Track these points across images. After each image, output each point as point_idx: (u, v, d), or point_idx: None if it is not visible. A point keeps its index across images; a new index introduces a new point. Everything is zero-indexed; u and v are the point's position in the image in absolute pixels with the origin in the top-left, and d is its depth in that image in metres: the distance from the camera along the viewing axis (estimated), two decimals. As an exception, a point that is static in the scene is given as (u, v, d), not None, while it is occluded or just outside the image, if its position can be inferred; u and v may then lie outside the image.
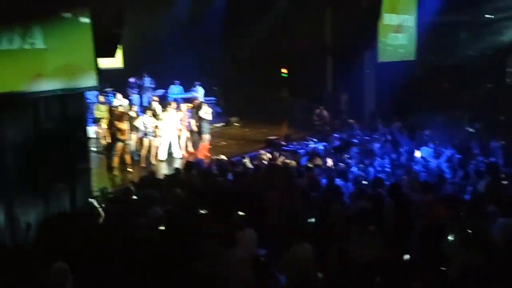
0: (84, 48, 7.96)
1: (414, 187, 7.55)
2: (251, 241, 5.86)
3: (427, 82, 16.40)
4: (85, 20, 7.87)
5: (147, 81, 16.12)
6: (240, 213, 6.06)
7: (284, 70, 17.09)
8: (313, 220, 6.39)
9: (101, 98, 12.92)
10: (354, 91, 15.71)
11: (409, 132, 12.15)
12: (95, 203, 7.26)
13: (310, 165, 9.24)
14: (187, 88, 16.68)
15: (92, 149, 11.88)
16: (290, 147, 12.26)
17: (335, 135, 12.31)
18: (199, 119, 12.30)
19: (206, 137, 12.33)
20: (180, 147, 12.22)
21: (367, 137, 12.04)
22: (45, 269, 4.60)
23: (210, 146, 13.08)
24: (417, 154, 10.15)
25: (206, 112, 12.32)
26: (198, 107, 12.46)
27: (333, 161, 9.79)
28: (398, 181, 7.95)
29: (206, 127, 12.32)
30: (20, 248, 6.18)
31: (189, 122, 12.60)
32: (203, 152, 12.22)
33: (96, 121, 12.45)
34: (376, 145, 11.15)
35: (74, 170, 8.08)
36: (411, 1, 16.92)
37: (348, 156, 10.30)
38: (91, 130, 12.26)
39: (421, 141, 11.26)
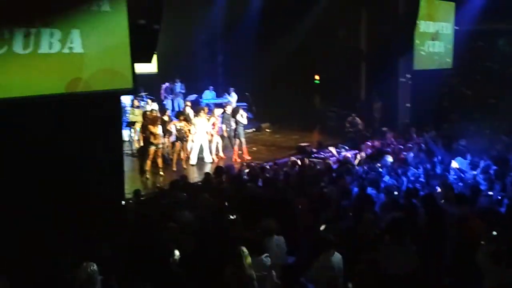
0: (121, 53, 8.13)
1: (449, 198, 7.35)
2: (281, 248, 5.82)
3: (464, 91, 16.02)
4: (123, 25, 8.05)
5: (179, 86, 16.34)
6: (270, 219, 6.02)
7: (316, 77, 17.01)
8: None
9: (136, 102, 13.16)
10: (388, 99, 15.47)
11: (444, 141, 11.85)
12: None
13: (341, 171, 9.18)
14: (221, 93, 16.83)
15: (125, 152, 12.12)
16: (321, 154, 12.16)
17: (368, 143, 12.12)
18: (236, 123, 12.39)
19: (242, 140, 12.47)
20: (211, 152, 12.30)
21: (400, 146, 11.81)
22: (75, 269, 4.68)
23: (240, 152, 13.14)
24: (453, 164, 9.89)
25: (242, 116, 12.41)
26: (235, 111, 12.52)
27: (365, 169, 9.64)
28: (433, 192, 7.75)
29: (241, 131, 12.42)
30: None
31: (220, 128, 12.71)
32: (244, 156, 12.50)
33: (130, 124, 12.67)
34: (410, 155, 10.92)
35: (108, 172, 8.24)
36: (449, 8, 16.59)
37: (381, 165, 10.11)
38: (125, 134, 12.50)
39: (457, 151, 10.96)
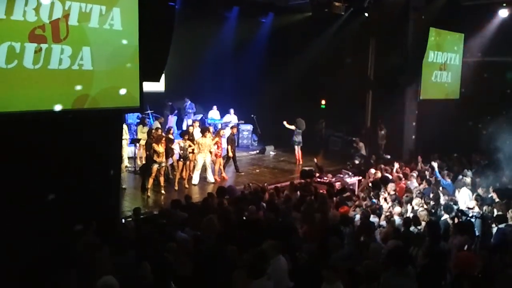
0: (130, 72, 8.23)
1: (451, 228, 7.30)
2: (282, 272, 5.73)
3: (470, 122, 15.98)
4: (134, 45, 8.14)
5: (187, 105, 16.45)
6: (272, 242, 5.95)
7: (323, 102, 17.07)
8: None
9: (141, 120, 13.21)
10: (394, 127, 15.49)
11: (448, 171, 11.78)
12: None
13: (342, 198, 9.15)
14: (224, 114, 16.94)
15: (128, 169, 12.12)
16: (325, 179, 12.10)
17: (372, 170, 12.07)
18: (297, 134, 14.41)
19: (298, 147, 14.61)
20: (214, 172, 12.29)
21: (405, 174, 11.74)
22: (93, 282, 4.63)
23: (243, 173, 13.11)
24: (457, 195, 9.83)
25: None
26: (299, 123, 14.55)
27: (367, 197, 9.57)
28: (436, 221, 7.69)
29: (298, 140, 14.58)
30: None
31: (224, 148, 12.73)
32: (301, 160, 14.60)
33: (135, 141, 12.71)
34: (414, 183, 10.86)
35: (107, 188, 8.23)
36: (458, 39, 16.72)
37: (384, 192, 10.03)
38: (129, 151, 12.52)
39: (461, 182, 10.88)
